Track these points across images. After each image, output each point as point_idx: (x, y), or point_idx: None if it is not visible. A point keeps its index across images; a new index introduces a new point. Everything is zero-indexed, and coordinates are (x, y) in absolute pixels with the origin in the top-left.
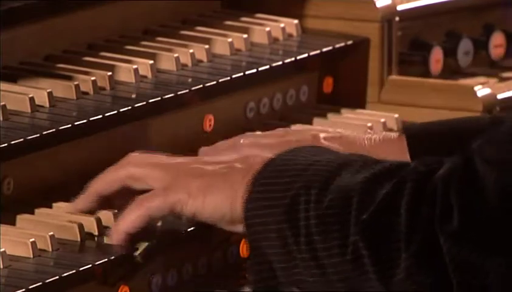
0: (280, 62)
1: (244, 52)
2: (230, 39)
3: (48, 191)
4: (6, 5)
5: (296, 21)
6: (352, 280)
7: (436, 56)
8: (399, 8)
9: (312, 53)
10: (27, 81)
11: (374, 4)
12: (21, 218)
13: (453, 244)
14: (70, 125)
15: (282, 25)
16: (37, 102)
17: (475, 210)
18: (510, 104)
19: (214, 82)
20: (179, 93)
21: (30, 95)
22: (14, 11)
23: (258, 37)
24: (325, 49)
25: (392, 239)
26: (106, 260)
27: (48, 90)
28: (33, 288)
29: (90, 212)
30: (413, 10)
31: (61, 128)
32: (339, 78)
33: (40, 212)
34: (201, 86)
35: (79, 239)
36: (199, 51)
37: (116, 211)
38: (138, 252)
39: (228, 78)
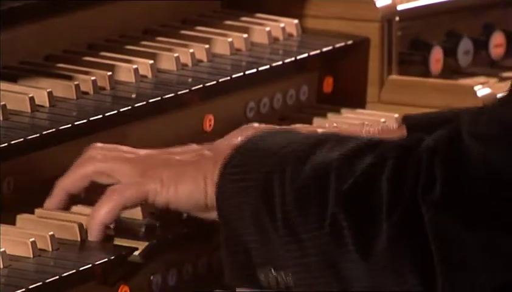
0: (280, 62)
1: (244, 52)
2: (230, 39)
3: (48, 191)
4: (7, 5)
5: (296, 21)
6: (330, 253)
7: (436, 56)
8: (399, 8)
9: (312, 53)
10: (27, 80)
11: (374, 4)
12: (21, 218)
13: (434, 213)
14: (70, 125)
15: (282, 25)
16: (37, 102)
17: (459, 182)
18: None
19: (215, 82)
20: (179, 93)
21: (30, 95)
22: (15, 11)
23: (258, 37)
24: (325, 49)
25: (373, 210)
26: (106, 259)
27: (48, 90)
28: (33, 287)
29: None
30: (413, 10)
31: (61, 127)
32: (339, 78)
33: (40, 211)
34: (201, 85)
35: (79, 239)
36: (199, 51)
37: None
38: (138, 252)
39: (229, 77)
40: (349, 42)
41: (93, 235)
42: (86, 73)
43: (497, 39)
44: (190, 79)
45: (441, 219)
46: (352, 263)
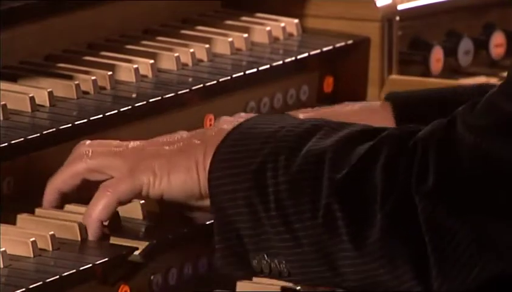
0: (281, 62)
1: (245, 52)
2: (230, 39)
3: None
4: (7, 4)
5: (296, 21)
6: (323, 244)
7: (437, 56)
8: (400, 7)
9: (312, 53)
10: (28, 80)
11: (375, 4)
12: (21, 218)
13: (428, 204)
14: (70, 125)
15: (282, 24)
16: (37, 101)
17: (452, 172)
18: None
19: (215, 81)
20: (180, 92)
21: (31, 95)
22: (15, 11)
23: (259, 36)
24: (325, 49)
25: (367, 200)
26: (107, 259)
27: (48, 90)
28: (34, 287)
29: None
30: (414, 10)
31: (61, 127)
32: (339, 77)
33: (40, 211)
34: (201, 85)
35: (79, 239)
36: (200, 50)
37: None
38: (139, 251)
39: (229, 77)
40: (350, 42)
41: (91, 233)
42: (86, 73)
43: (498, 39)
44: (190, 79)
45: (434, 209)
46: (345, 253)
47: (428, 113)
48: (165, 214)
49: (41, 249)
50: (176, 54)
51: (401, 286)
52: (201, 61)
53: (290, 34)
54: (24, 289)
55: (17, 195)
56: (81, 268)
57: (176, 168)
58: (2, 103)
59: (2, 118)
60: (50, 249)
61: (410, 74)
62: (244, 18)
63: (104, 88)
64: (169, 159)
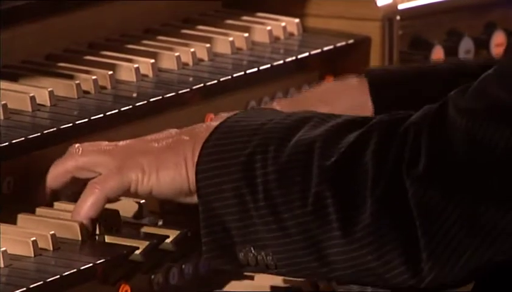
0: (281, 62)
1: (245, 51)
2: (231, 38)
3: None
4: (7, 4)
5: (297, 20)
6: (312, 232)
7: (437, 55)
8: (400, 7)
9: (313, 52)
10: (28, 80)
11: (375, 3)
12: (22, 217)
13: (418, 188)
14: (71, 124)
15: (283, 24)
16: (38, 101)
17: (443, 156)
18: None
19: (216, 81)
20: (180, 92)
21: (31, 94)
22: (15, 11)
23: (259, 36)
24: (326, 48)
25: (358, 185)
26: (107, 259)
27: (49, 89)
28: (34, 287)
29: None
30: (414, 9)
31: (62, 127)
32: (340, 77)
33: (41, 211)
34: (202, 85)
35: (80, 239)
36: (200, 50)
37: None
38: (139, 251)
39: (230, 77)
40: (350, 41)
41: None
42: (87, 72)
43: (498, 39)
44: (191, 79)
45: (425, 193)
46: (334, 241)
47: (404, 88)
48: (165, 214)
49: (41, 249)
50: (177, 53)
51: (389, 273)
52: (202, 60)
53: (291, 34)
54: (24, 289)
55: (17, 195)
56: (82, 268)
57: (165, 164)
58: (3, 102)
59: (2, 118)
60: (51, 248)
61: None
62: (244, 18)
63: (104, 88)
64: (157, 155)
